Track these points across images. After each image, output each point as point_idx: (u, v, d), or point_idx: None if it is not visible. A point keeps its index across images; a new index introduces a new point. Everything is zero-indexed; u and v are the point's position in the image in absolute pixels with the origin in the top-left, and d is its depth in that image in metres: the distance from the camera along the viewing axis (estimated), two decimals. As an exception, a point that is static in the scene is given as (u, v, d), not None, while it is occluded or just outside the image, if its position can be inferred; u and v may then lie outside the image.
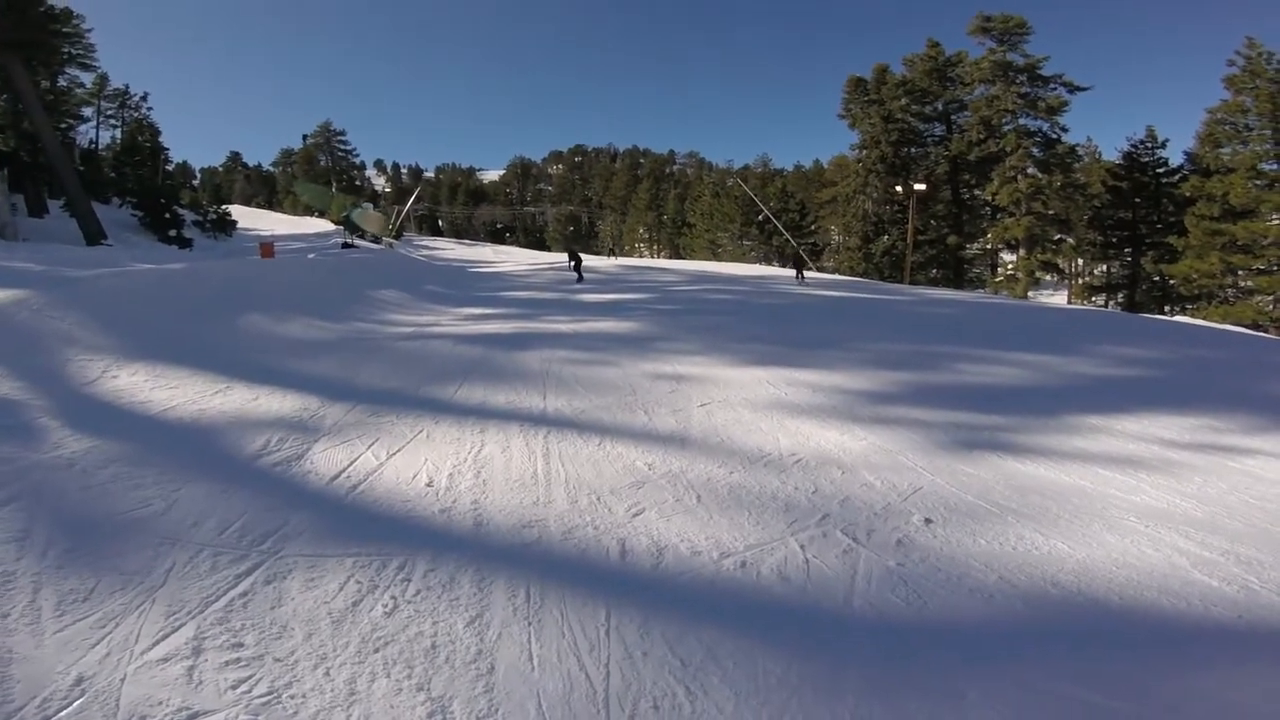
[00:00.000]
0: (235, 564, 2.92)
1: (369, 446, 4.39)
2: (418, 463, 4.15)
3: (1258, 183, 25.74)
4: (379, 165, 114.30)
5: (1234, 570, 3.18)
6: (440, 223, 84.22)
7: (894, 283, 27.67)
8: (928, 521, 3.62)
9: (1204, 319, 23.37)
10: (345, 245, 31.05)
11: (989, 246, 36.19)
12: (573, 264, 19.58)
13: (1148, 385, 7.32)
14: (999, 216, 34.07)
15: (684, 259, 48.29)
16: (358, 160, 73.63)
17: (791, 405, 5.73)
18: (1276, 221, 25.25)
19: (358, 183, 70.17)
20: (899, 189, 33.27)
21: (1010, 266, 35.41)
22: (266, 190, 79.03)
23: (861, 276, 32.61)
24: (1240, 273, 26.22)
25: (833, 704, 2.23)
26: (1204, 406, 6.20)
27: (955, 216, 35.74)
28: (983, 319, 12.10)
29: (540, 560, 3.07)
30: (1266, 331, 22.29)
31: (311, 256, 17.17)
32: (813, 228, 46.25)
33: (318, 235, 36.33)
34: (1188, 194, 28.02)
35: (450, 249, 49.27)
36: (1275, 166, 25.77)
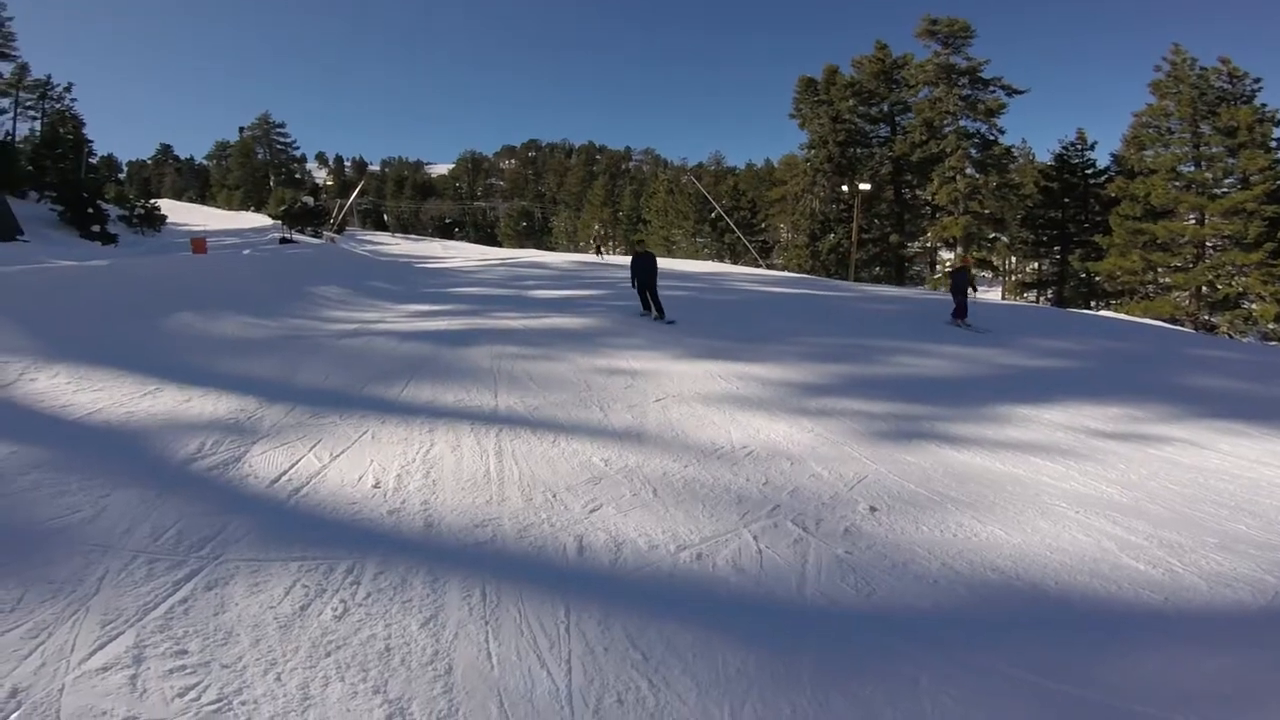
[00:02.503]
0: (173, 570, 2.79)
1: (311, 448, 4.24)
2: (364, 464, 4.02)
3: (1176, 184, 27.41)
4: (321, 158, 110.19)
5: (1158, 554, 3.40)
6: (386, 217, 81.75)
7: (839, 280, 28.47)
8: (873, 510, 3.76)
9: (1126, 314, 24.96)
10: (283, 240, 29.83)
11: (929, 245, 37.55)
12: (641, 289, 10.39)
13: (1074, 376, 7.78)
14: (938, 216, 35.32)
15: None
16: (298, 153, 70.54)
17: (743, 399, 5.84)
18: (1192, 221, 27.07)
19: (298, 176, 67.25)
20: (845, 188, 34.18)
21: (948, 264, 36.85)
22: (199, 184, 75.06)
23: (809, 274, 33.41)
24: (1159, 270, 27.97)
25: (791, 693, 2.28)
26: (1125, 396, 6.64)
27: (898, 216, 36.93)
28: (922, 314, 12.59)
29: (495, 559, 3.03)
30: (1183, 325, 23.96)
31: (247, 252, 16.36)
32: (763, 225, 47.05)
33: (254, 230, 34.66)
34: (1113, 194, 29.56)
35: (396, 244, 47.88)
36: (1193, 168, 27.43)
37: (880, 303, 14.93)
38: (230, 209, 54.54)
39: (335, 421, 4.75)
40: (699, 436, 4.82)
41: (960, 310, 11.23)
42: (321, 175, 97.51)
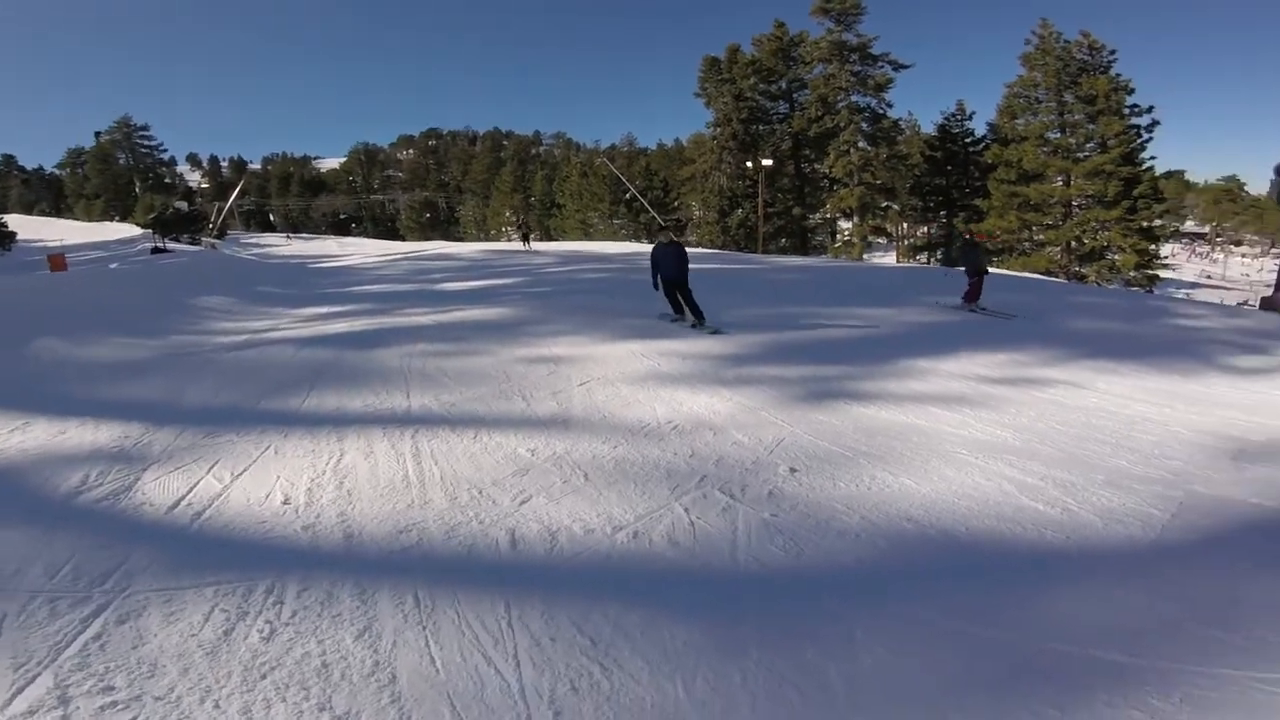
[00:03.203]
0: (78, 607, 2.57)
1: (209, 470, 3.92)
2: (269, 481, 3.77)
3: (1045, 149, 30.01)
4: (193, 160, 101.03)
5: (1054, 494, 3.68)
6: (272, 217, 76.14)
7: (749, 253, 29.33)
8: (793, 471, 3.90)
9: (1007, 269, 27.29)
10: (156, 250, 27.19)
11: (828, 215, 39.35)
12: (669, 289, 8.47)
13: (964, 329, 8.41)
14: (835, 188, 37.09)
15: (555, 240, 47.71)
16: (165, 156, 64.09)
17: (665, 375, 5.91)
18: (1060, 183, 29.78)
19: (167, 180, 61.17)
20: (749, 165, 35.13)
21: (847, 233, 38.85)
22: (52, 195, 66.90)
23: (721, 248, 34.20)
24: (1034, 228, 30.70)
25: (738, 660, 2.34)
26: (1011, 343, 7.26)
27: (799, 189, 38.43)
28: (826, 281, 13.23)
29: (424, 563, 2.94)
30: (1056, 277, 26.51)
31: (115, 266, 14.76)
32: (676, 204, 47.60)
33: (120, 242, 31.31)
34: (990, 161, 32.09)
35: (286, 245, 44.75)
36: (1059, 135, 30.07)
37: (788, 272, 15.52)
38: (91, 220, 49.04)
39: (232, 440, 4.40)
40: (625, 416, 4.83)
41: (973, 292, 9.71)
42: (195, 178, 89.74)
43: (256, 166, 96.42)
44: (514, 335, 7.51)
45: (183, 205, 35.14)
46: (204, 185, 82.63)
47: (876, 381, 5.79)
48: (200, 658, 2.30)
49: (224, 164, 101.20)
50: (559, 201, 54.53)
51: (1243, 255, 54.28)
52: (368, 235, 62.14)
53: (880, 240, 39.66)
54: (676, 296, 8.29)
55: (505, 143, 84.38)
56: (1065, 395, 5.51)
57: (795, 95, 38.72)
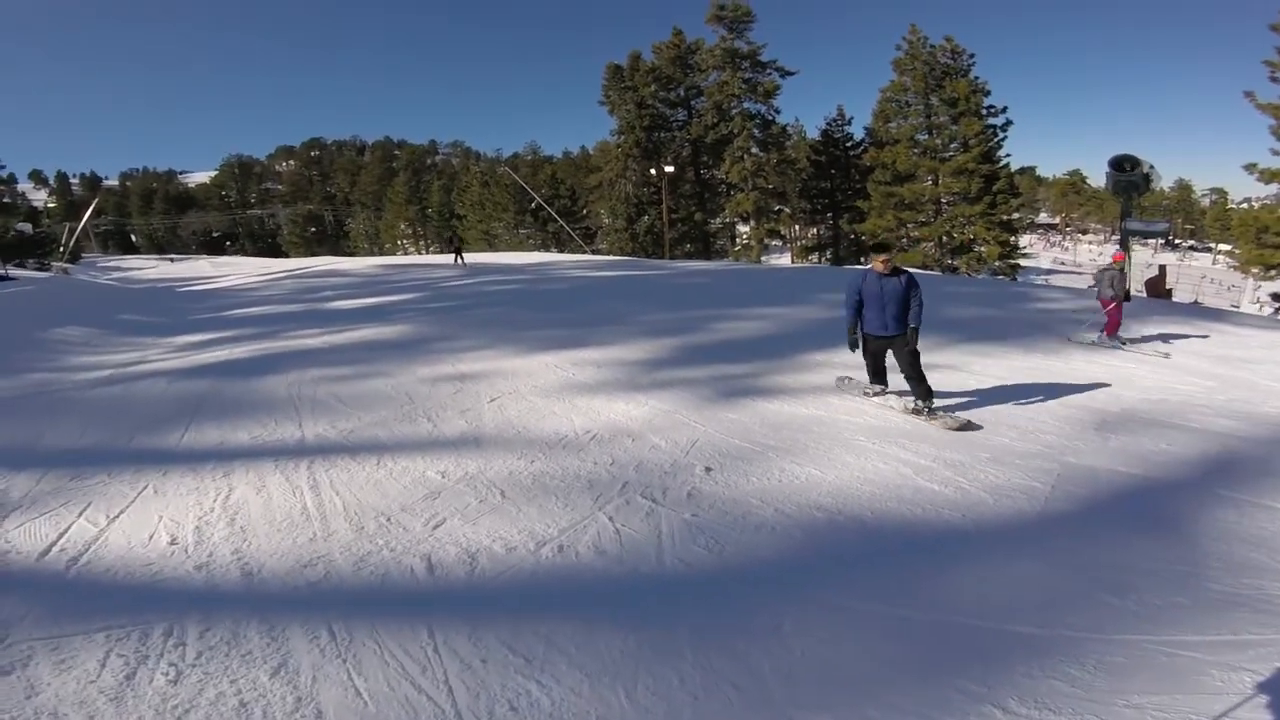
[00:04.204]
0: None
1: (80, 513, 3.56)
2: (151, 521, 3.47)
3: (915, 151, 32.24)
4: (38, 177, 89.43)
5: (946, 474, 4.00)
6: (134, 238, 68.86)
7: (657, 259, 29.85)
8: (708, 470, 4.02)
9: (888, 265, 29.34)
10: (-8, 278, 23.75)
11: (728, 220, 40.77)
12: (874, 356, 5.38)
13: (856, 323, 8.99)
14: (732, 193, 38.44)
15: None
16: (3, 173, 55.89)
17: (580, 385, 5.90)
18: (930, 182, 32.28)
19: (6, 200, 53.37)
20: (653, 171, 35.74)
21: (745, 236, 40.45)
22: None
23: (630, 255, 34.56)
24: (909, 225, 33.15)
25: (675, 662, 2.38)
26: (894, 334, 7.82)
27: (699, 195, 39.51)
28: (729, 284, 13.71)
29: (335, 596, 2.81)
30: (930, 270, 28.91)
31: (-65, 296, 12.74)
32: (584, 212, 47.54)
33: (-59, 268, 27.01)
34: (868, 163, 34.30)
35: (151, 266, 40.50)
36: (926, 136, 32.37)
37: (693, 276, 15.94)
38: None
39: (104, 481, 3.98)
40: (541, 429, 4.78)
41: (1114, 322, 7.90)
42: (41, 196, 79.54)
43: (114, 183, 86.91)
44: (415, 354, 7.20)
45: (26, 227, 30.81)
46: (51, 205, 73.28)
47: (778, 376, 6.08)
48: (105, 704, 2.17)
49: (74, 181, 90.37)
50: (459, 212, 52.94)
51: (1089, 242, 61.68)
52: (245, 253, 57.42)
53: (776, 242, 41.53)
54: (884, 361, 5.27)
55: (397, 152, 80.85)
56: (947, 377, 6.02)
57: (693, 102, 39.56)
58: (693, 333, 8.18)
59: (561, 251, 37.67)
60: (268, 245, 64.58)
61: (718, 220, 40.56)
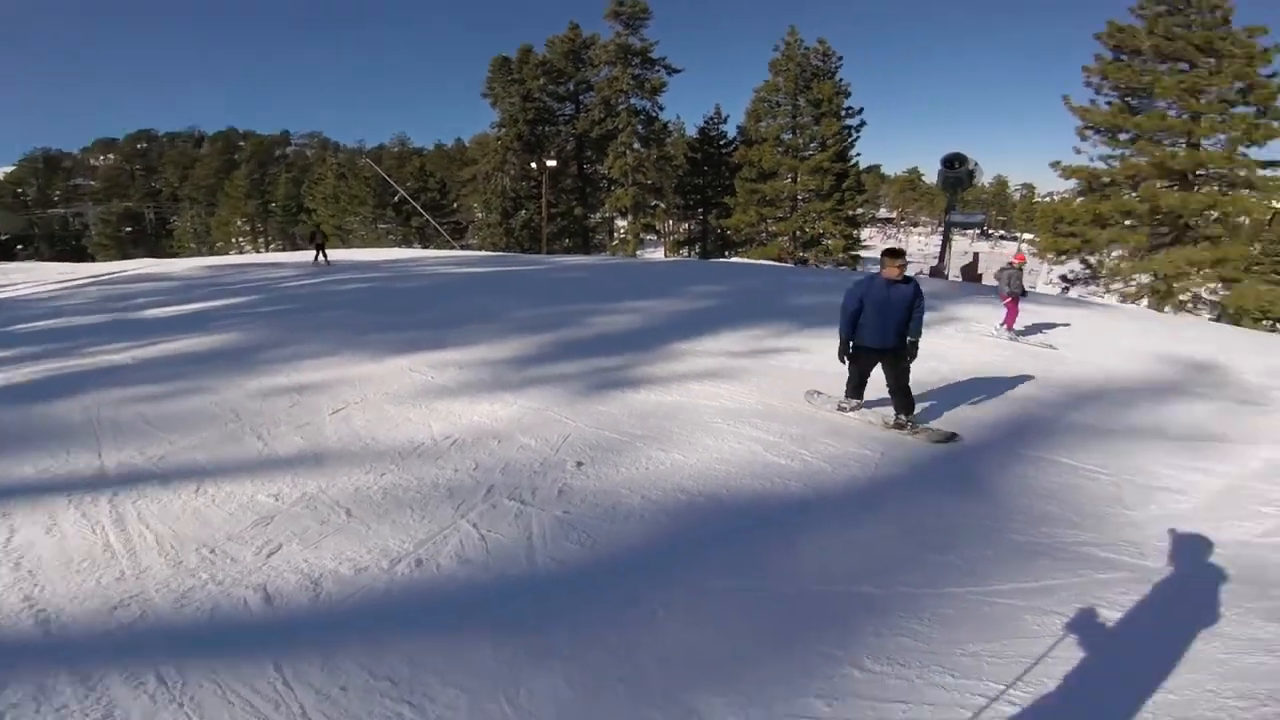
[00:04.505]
0: None
1: None
2: None
3: (779, 150, 34.35)
4: None
5: (791, 448, 4.26)
6: (-106, 243, 56.16)
7: (534, 254, 29.35)
8: (579, 465, 3.97)
9: (749, 258, 31.25)
10: None
11: (607, 215, 41.10)
12: (865, 362, 4.91)
13: (717, 312, 9.39)
14: (613, 188, 38.80)
15: (302, 249, 42.37)
16: None
17: (440, 388, 5.57)
18: (789, 180, 34.48)
19: None
20: (534, 165, 35.05)
21: (623, 231, 41.00)
22: None
23: (504, 251, 33.69)
24: (769, 221, 35.34)
25: (554, 663, 2.32)
26: (751, 321, 8.27)
27: (580, 190, 39.46)
28: (605, 278, 13.76)
29: (156, 637, 2.49)
30: (786, 263, 30.97)
31: None
32: (455, 206, 45.60)
33: None
34: (737, 161, 36.09)
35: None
36: (790, 136, 34.49)
37: (570, 271, 15.81)
38: None
39: None
40: (394, 439, 4.43)
41: (1011, 315, 8.58)
42: None
43: None
44: (245, 365, 6.34)
45: None
46: None
47: (646, 367, 6.16)
48: None
49: None
50: (309, 206, 48.63)
51: (920, 234, 69.20)
52: (41, 258, 48.81)
53: (651, 237, 42.51)
54: (869, 374, 4.88)
55: (242, 143, 72.39)
56: (794, 360, 6.47)
57: (582, 97, 39.37)
58: (566, 328, 8.07)
59: (427, 247, 35.87)
60: (70, 248, 55.19)
61: (598, 215, 40.73)
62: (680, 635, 2.51)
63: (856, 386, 4.85)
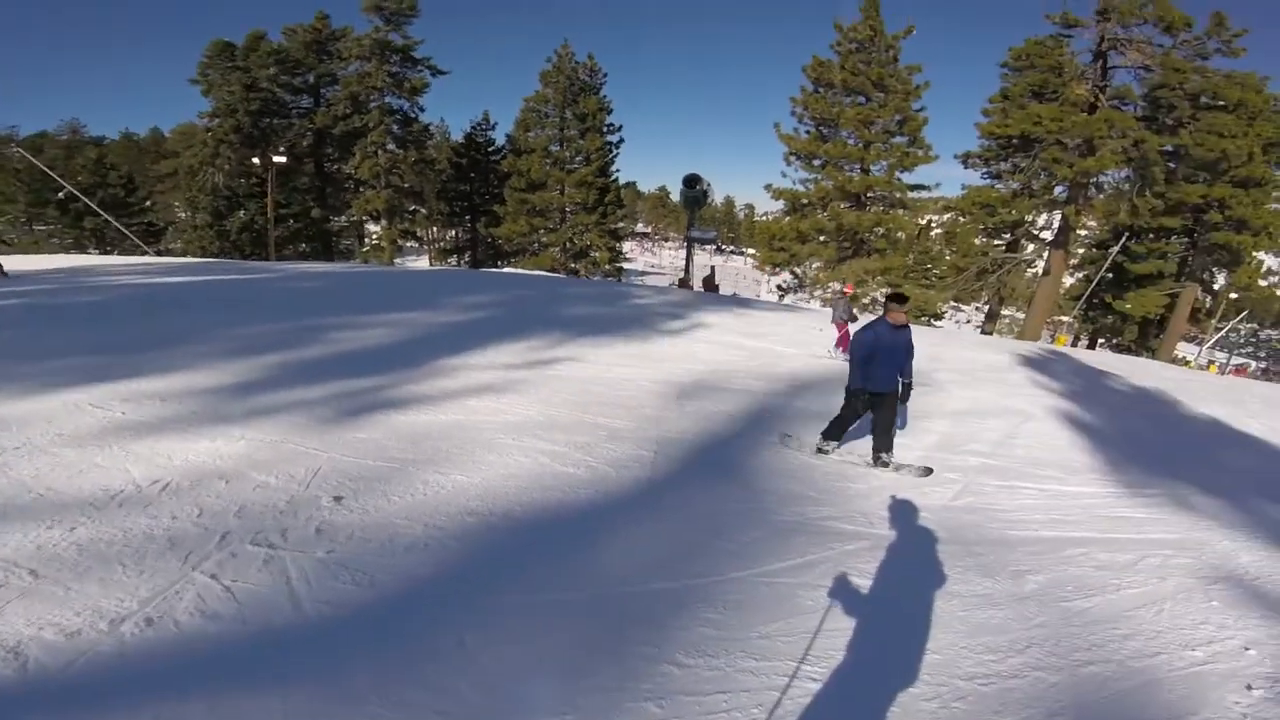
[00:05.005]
0: None
1: None
2: None
3: (548, 161, 34.81)
4: None
5: (577, 455, 4.32)
6: None
7: (259, 260, 25.34)
8: (338, 499, 3.53)
9: (521, 268, 31.25)
10: None
11: (355, 218, 37.40)
12: (873, 399, 4.97)
13: (489, 323, 9.20)
14: (362, 189, 35.45)
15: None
16: None
17: (137, 425, 4.45)
18: (558, 192, 35.09)
19: None
20: (256, 161, 30.08)
21: (376, 236, 37.80)
22: None
23: (218, 256, 28.54)
24: (540, 231, 35.66)
25: (364, 707, 2.11)
26: (526, 332, 8.25)
27: (319, 190, 35.26)
28: (353, 288, 12.48)
29: None
30: (558, 272, 31.68)
31: None
32: (147, 204, 37.18)
33: None
34: (506, 170, 35.65)
35: None
36: (558, 148, 35.06)
37: (309, 280, 13.94)
38: None
39: None
40: (79, 488, 3.46)
41: (845, 339, 9.41)
42: None
43: None
44: None
45: None
46: None
47: (412, 386, 5.73)
48: None
49: None
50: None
51: (670, 247, 76.34)
52: None
53: (412, 244, 39.90)
54: (851, 414, 4.92)
55: None
56: (570, 369, 6.64)
57: (323, 90, 35.43)
58: (306, 346, 7.04)
59: (109, 253, 28.84)
60: None
61: (343, 218, 36.80)
62: (497, 658, 2.41)
63: (842, 429, 4.95)
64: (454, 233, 41.78)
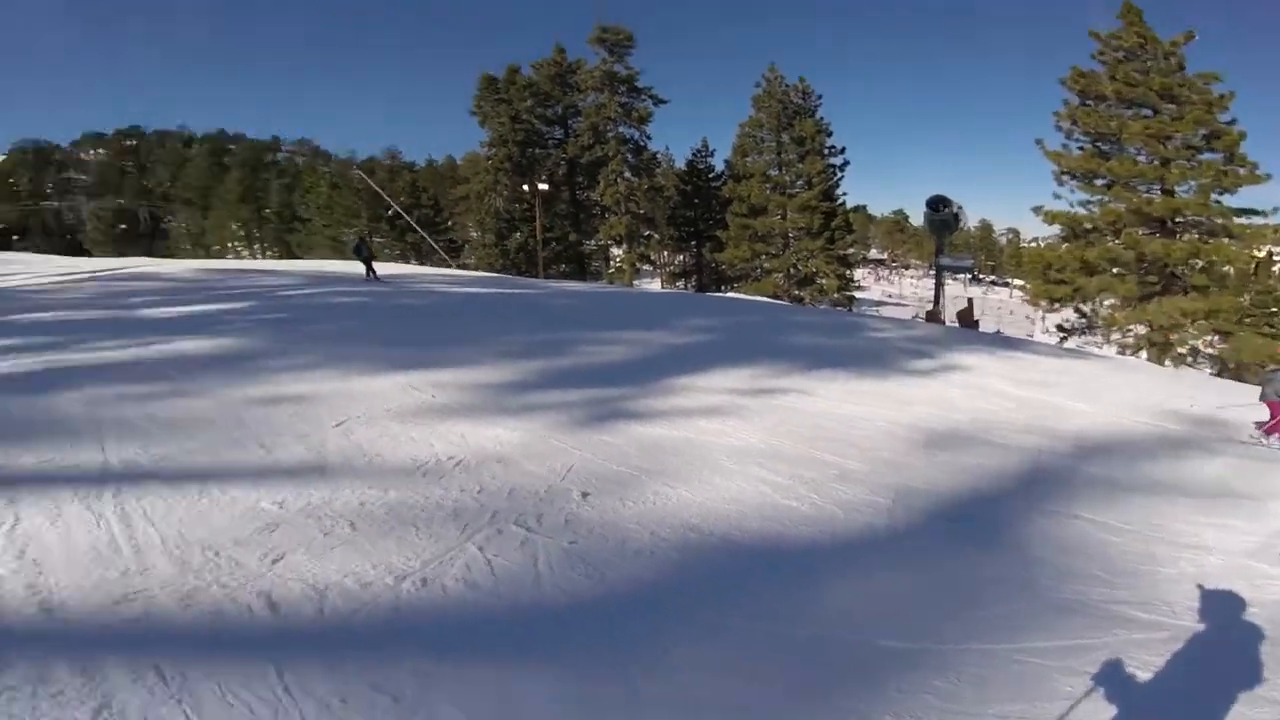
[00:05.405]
0: None
1: None
2: None
3: (767, 186, 34.70)
4: None
5: (802, 491, 4.24)
6: (-120, 226, 55.21)
7: (530, 277, 29.42)
8: (585, 495, 3.95)
9: (745, 293, 31.53)
10: None
11: (602, 242, 41.31)
12: None
13: (716, 347, 9.46)
14: (606, 216, 39.05)
15: (299, 258, 42.15)
16: None
17: (443, 408, 5.54)
18: (779, 217, 34.98)
19: None
20: (526, 188, 35.21)
21: (618, 259, 41.22)
22: None
23: (500, 272, 33.71)
24: (762, 257, 35.69)
25: (557, 694, 2.28)
26: (752, 359, 8.32)
27: (574, 215, 39.61)
28: (598, 306, 13.82)
29: (158, 635, 2.48)
30: (780, 299, 31.30)
31: None
32: (449, 224, 45.62)
33: None
34: (727, 195, 36.48)
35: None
36: (777, 172, 34.93)
37: (564, 297, 15.85)
38: None
39: None
40: (397, 456, 4.39)
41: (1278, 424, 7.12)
42: None
43: None
44: (243, 371, 6.29)
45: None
46: None
47: (649, 400, 6.17)
48: None
49: None
50: (302, 215, 48.53)
51: (912, 276, 70.47)
52: (37, 250, 48.12)
53: (647, 267, 42.76)
54: None
55: (232, 146, 72.31)
56: (796, 401, 6.50)
57: (570, 121, 39.27)
58: (565, 354, 8.08)
59: (424, 264, 35.81)
60: (66, 242, 54.43)
61: (593, 242, 40.86)
62: (695, 675, 2.48)
63: None
64: (682, 257, 43.80)
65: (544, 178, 35.66)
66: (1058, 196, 24.95)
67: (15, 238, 55.72)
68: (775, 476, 4.49)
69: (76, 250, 50.26)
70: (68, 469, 3.84)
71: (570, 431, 5.11)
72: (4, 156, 67.21)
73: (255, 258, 52.88)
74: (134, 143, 73.73)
